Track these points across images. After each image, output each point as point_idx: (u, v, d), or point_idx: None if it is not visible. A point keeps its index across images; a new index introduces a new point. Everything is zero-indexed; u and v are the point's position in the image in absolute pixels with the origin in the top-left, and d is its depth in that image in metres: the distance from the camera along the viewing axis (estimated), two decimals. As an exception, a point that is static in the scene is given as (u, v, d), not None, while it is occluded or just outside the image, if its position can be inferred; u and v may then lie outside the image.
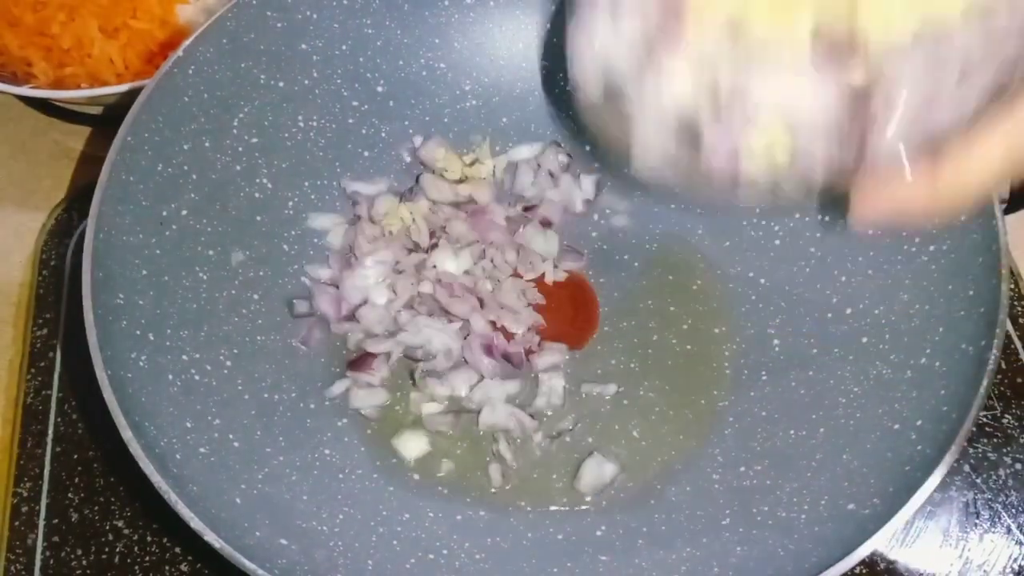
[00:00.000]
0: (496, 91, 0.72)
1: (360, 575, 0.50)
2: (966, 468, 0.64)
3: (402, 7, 0.68)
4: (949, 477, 0.63)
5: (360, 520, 0.54)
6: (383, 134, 0.71)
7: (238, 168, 0.63)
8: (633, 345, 0.65)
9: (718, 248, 0.68)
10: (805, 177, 0.40)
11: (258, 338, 0.62)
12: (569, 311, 0.67)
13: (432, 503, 0.58)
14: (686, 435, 0.61)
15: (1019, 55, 0.35)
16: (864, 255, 0.60)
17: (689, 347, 0.65)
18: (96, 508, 0.63)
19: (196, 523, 0.45)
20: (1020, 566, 0.60)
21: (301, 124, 0.67)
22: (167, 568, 0.61)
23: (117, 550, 0.62)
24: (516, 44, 0.71)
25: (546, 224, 0.70)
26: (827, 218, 0.63)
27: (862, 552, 0.45)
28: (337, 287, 0.66)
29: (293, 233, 0.67)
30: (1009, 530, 0.62)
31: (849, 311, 0.60)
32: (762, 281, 0.66)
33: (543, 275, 0.68)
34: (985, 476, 0.64)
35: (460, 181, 0.71)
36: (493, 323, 0.65)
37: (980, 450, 0.65)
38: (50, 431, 0.66)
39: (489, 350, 0.63)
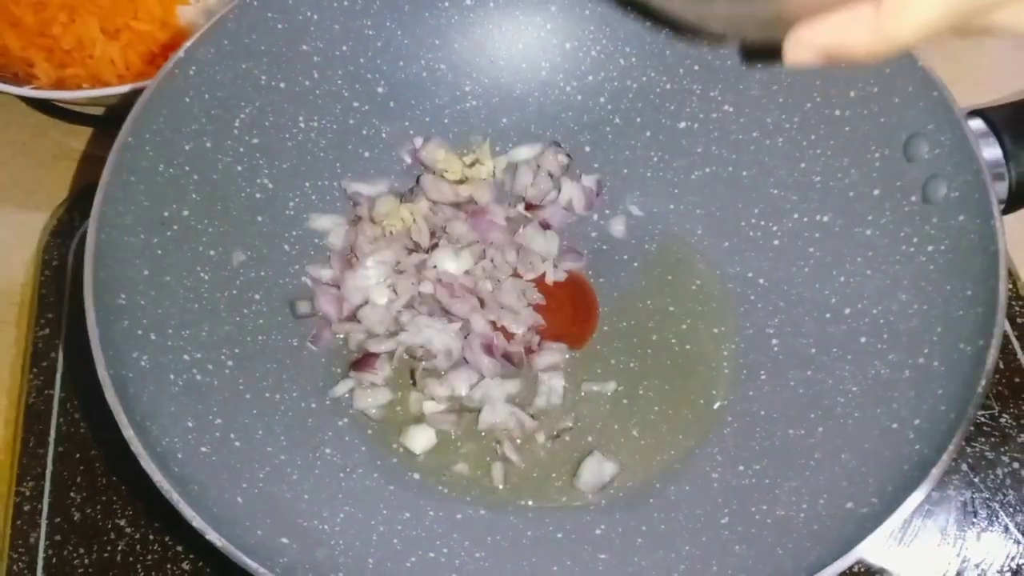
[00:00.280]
0: (496, 91, 0.72)
1: (361, 574, 0.51)
2: (964, 467, 0.65)
3: (402, 8, 0.68)
4: (947, 476, 0.63)
5: (361, 519, 0.54)
6: (383, 135, 0.71)
7: (239, 168, 0.64)
8: (633, 345, 0.65)
9: (717, 248, 0.68)
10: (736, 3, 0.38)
11: (259, 338, 0.62)
12: (569, 311, 0.68)
13: (433, 502, 0.58)
14: (685, 434, 0.61)
15: None
16: (863, 255, 0.60)
17: (688, 347, 0.65)
18: (98, 507, 0.64)
19: (198, 522, 0.45)
20: (1018, 565, 0.61)
21: (302, 125, 0.67)
22: (169, 567, 0.61)
23: (119, 549, 0.62)
24: (516, 44, 0.71)
25: (546, 226, 0.70)
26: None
27: (860, 550, 0.45)
28: (338, 287, 0.67)
29: (294, 233, 0.67)
30: (1007, 529, 0.62)
31: (848, 311, 0.60)
32: (761, 281, 0.66)
33: (543, 275, 0.68)
34: (983, 475, 0.64)
35: (460, 181, 0.71)
36: (493, 323, 0.65)
37: (978, 449, 0.65)
38: (52, 431, 0.67)
39: (489, 350, 0.64)
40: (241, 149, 0.64)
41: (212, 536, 0.45)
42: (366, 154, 0.71)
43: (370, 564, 0.51)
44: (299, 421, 0.60)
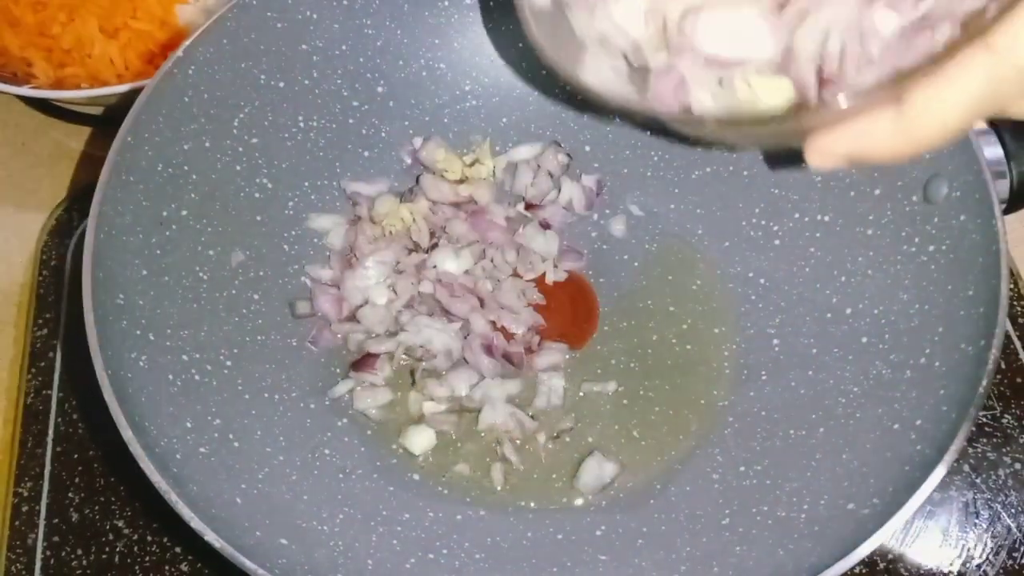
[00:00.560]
0: (496, 91, 0.72)
1: (360, 575, 0.50)
2: (966, 468, 0.64)
3: (402, 7, 0.68)
4: (949, 477, 0.63)
5: (360, 520, 0.54)
6: (383, 134, 0.71)
7: (238, 168, 0.63)
8: (633, 345, 0.65)
9: (718, 248, 0.68)
10: (757, 114, 0.37)
11: (258, 338, 0.62)
12: (569, 311, 0.67)
13: (432, 503, 0.58)
14: (686, 435, 0.61)
15: None
16: (864, 255, 0.60)
17: (689, 347, 0.65)
18: (96, 508, 0.63)
19: (196, 523, 0.45)
20: (1020, 565, 0.60)
21: (301, 124, 0.67)
22: (167, 568, 0.61)
23: (117, 550, 0.62)
24: (516, 44, 0.71)
25: (546, 225, 0.70)
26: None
27: (862, 552, 0.45)
28: (338, 287, 0.66)
29: (293, 233, 0.67)
30: (1009, 530, 0.62)
31: (849, 311, 0.60)
32: (762, 281, 0.66)
33: (543, 275, 0.68)
34: (984, 476, 0.64)
35: (460, 181, 0.71)
36: (493, 323, 0.65)
37: (979, 450, 0.65)
38: (50, 431, 0.67)
39: (489, 350, 0.63)
40: (240, 149, 0.63)
41: (211, 537, 0.45)
42: (366, 154, 0.70)
43: (369, 565, 0.51)
44: (298, 422, 0.59)
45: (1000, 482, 0.64)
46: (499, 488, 0.59)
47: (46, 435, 0.66)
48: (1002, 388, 0.68)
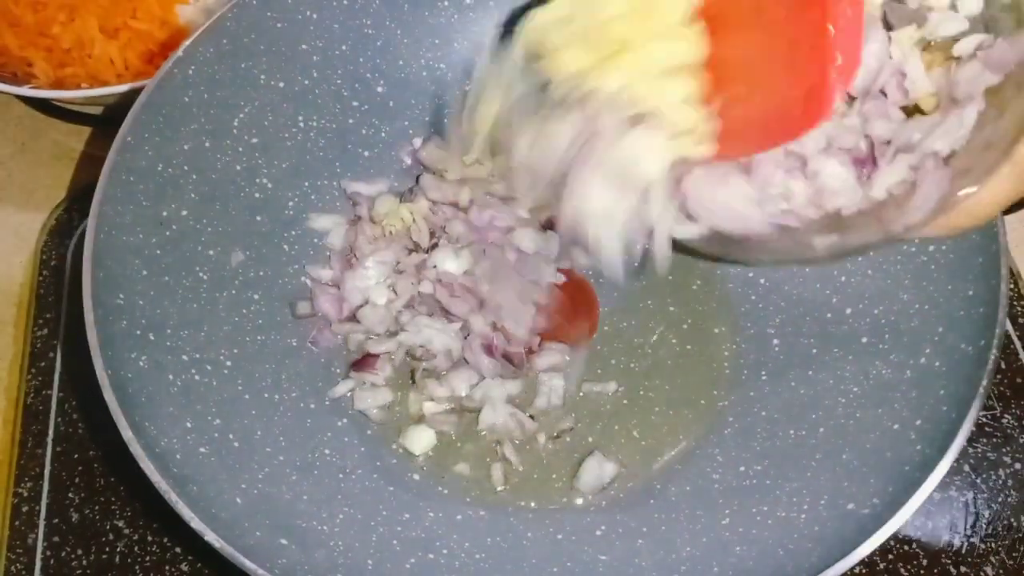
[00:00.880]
0: (496, 91, 0.72)
1: (360, 575, 0.50)
2: (966, 468, 0.64)
3: (402, 7, 0.68)
4: (949, 477, 0.63)
5: (360, 520, 0.54)
6: (383, 134, 0.71)
7: (238, 168, 0.63)
8: (633, 345, 0.65)
9: (718, 248, 0.68)
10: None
11: (258, 338, 0.62)
12: (569, 311, 0.67)
13: (432, 503, 0.58)
14: (686, 435, 0.61)
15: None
16: (864, 255, 0.60)
17: (689, 347, 0.65)
18: (96, 508, 0.63)
19: (196, 523, 0.45)
20: (1020, 565, 0.60)
21: (301, 124, 0.67)
22: (167, 568, 0.61)
23: (118, 550, 0.62)
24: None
25: (546, 226, 0.70)
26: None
27: (862, 552, 0.45)
28: (338, 288, 0.66)
29: (293, 233, 0.67)
30: (1009, 530, 0.62)
31: (849, 311, 0.60)
32: (762, 281, 0.66)
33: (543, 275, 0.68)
34: (985, 476, 0.64)
35: (460, 181, 0.71)
36: (493, 323, 0.65)
37: (980, 450, 0.65)
38: (50, 431, 0.66)
39: (489, 350, 0.63)
40: (240, 149, 0.63)
41: (211, 537, 0.45)
42: (365, 154, 0.70)
43: (369, 565, 0.51)
44: (298, 422, 0.59)
45: (1000, 482, 0.64)
46: (499, 488, 0.59)
47: (46, 435, 0.66)
48: (1002, 388, 0.68)
